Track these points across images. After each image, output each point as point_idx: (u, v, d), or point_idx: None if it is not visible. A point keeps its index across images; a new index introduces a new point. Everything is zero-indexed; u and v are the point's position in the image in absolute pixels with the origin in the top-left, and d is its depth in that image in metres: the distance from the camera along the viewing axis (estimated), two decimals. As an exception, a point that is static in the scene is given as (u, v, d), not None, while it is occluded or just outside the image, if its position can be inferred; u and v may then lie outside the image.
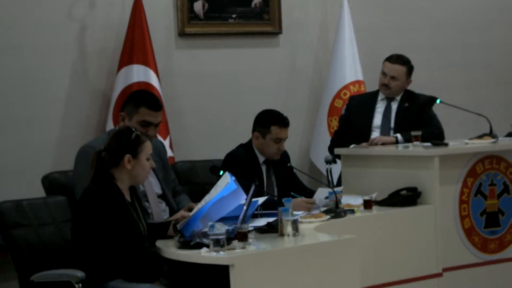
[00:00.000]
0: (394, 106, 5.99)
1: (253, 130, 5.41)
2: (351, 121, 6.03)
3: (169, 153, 5.82)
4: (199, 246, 4.04)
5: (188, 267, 4.15)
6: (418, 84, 6.18)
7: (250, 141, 5.44)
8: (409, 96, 6.00)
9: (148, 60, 6.01)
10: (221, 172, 4.71)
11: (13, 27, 5.76)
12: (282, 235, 4.27)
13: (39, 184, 4.94)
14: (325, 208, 4.93)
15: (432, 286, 5.14)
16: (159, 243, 4.27)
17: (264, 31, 6.73)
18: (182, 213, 4.52)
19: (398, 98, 6.00)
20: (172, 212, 4.83)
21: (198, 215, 4.24)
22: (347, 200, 5.10)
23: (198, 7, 6.43)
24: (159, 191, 4.90)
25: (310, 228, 4.52)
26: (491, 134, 5.66)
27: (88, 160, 4.31)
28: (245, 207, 4.35)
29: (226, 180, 4.30)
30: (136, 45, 5.98)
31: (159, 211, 4.81)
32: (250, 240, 4.10)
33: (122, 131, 4.35)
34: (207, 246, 3.98)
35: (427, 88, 6.29)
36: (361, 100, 6.15)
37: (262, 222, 4.52)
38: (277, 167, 5.45)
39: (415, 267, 5.09)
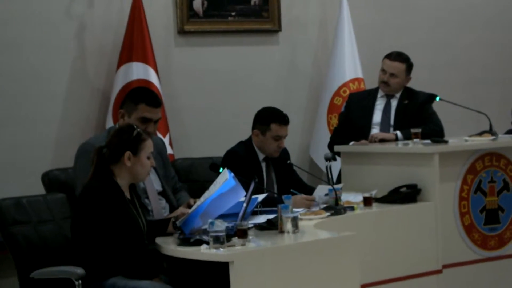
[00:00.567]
0: (394, 103, 5.98)
1: (253, 128, 5.40)
2: (351, 119, 6.01)
3: (169, 150, 5.82)
4: (199, 243, 4.04)
5: (188, 264, 4.15)
6: (418, 82, 6.17)
7: (250, 139, 5.44)
8: (408, 94, 5.99)
9: (147, 58, 6.01)
10: (221, 169, 4.70)
11: (12, 25, 5.76)
12: (282, 232, 4.28)
13: (38, 181, 4.95)
14: (325, 205, 4.92)
15: (431, 282, 5.14)
16: (159, 240, 4.27)
17: (263, 29, 6.73)
18: (181, 209, 4.50)
19: (398, 95, 5.99)
20: (172, 209, 4.82)
21: (198, 211, 4.24)
22: (347, 197, 5.10)
23: (197, 5, 6.43)
24: (159, 188, 4.90)
25: (310, 225, 4.52)
26: (490, 131, 5.66)
27: (88, 158, 4.31)
28: (245, 204, 4.34)
29: (225, 177, 4.29)
30: (135, 43, 5.99)
31: (159, 208, 4.81)
32: (250, 237, 4.10)
33: (124, 128, 4.34)
34: (207, 243, 3.99)
35: (426, 86, 6.28)
36: (361, 97, 6.13)
37: (262, 219, 4.52)
38: (277, 164, 5.45)
39: (415, 264, 5.09)
